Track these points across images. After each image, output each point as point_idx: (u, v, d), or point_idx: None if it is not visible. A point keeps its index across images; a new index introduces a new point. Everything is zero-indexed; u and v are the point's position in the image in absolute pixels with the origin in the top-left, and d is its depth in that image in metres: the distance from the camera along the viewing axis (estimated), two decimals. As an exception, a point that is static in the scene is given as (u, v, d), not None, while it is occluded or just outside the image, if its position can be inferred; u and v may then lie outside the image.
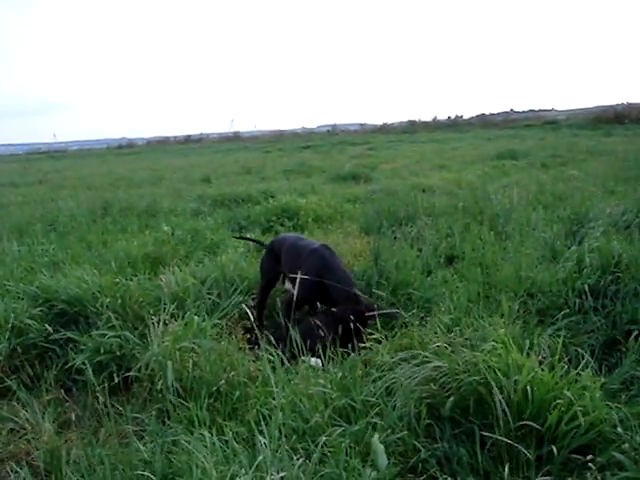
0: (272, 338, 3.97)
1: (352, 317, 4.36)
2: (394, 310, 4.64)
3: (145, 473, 2.84)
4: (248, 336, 4.63)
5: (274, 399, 3.35)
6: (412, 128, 56.54)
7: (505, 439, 2.82)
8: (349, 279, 4.84)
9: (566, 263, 5.26)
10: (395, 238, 6.97)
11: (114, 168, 28.31)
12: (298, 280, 4.51)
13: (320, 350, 3.93)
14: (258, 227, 9.27)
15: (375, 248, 5.97)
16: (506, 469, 2.71)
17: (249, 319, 4.81)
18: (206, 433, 2.99)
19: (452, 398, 3.09)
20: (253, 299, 5.51)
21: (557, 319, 4.41)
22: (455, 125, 56.82)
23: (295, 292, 4.47)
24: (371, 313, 4.45)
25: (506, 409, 2.87)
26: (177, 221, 9.72)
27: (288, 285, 5.24)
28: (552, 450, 2.77)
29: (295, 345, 3.91)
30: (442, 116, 64.86)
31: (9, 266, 6.51)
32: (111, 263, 6.49)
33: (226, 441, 3.00)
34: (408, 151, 27.26)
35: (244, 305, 4.53)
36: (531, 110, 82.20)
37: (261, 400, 3.47)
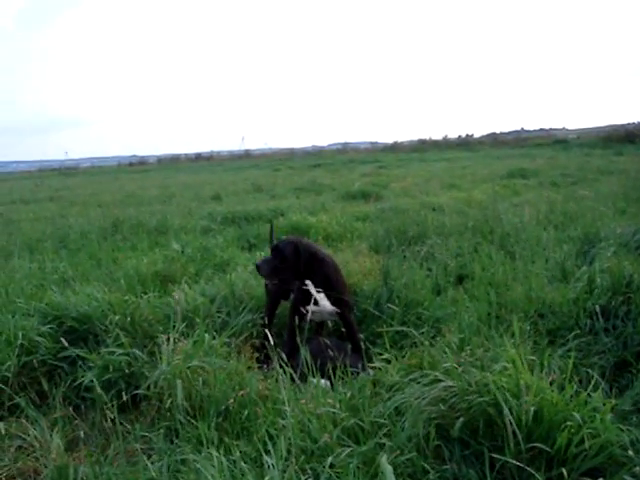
0: (284, 355, 3.96)
1: None
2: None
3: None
4: (257, 355, 4.63)
5: (283, 419, 3.35)
6: (422, 147, 56.68)
7: (515, 461, 2.80)
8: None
9: (577, 283, 5.24)
10: (405, 257, 6.95)
11: (125, 185, 28.48)
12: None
13: (330, 371, 3.91)
14: (268, 245, 9.27)
15: (385, 267, 5.96)
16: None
17: (258, 337, 4.82)
18: (214, 452, 2.98)
19: (461, 419, 3.06)
20: (262, 317, 5.50)
21: (567, 340, 4.38)
22: (466, 144, 56.93)
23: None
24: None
25: (517, 430, 2.85)
26: (187, 239, 9.76)
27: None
28: (562, 473, 2.75)
29: (305, 364, 3.89)
30: (453, 135, 65.16)
31: (19, 283, 6.54)
32: (121, 281, 6.52)
33: (234, 461, 2.99)
34: (418, 170, 27.31)
35: (262, 327, 4.53)
36: (542, 129, 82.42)
37: (269, 419, 3.46)
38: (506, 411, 2.89)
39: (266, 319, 5.43)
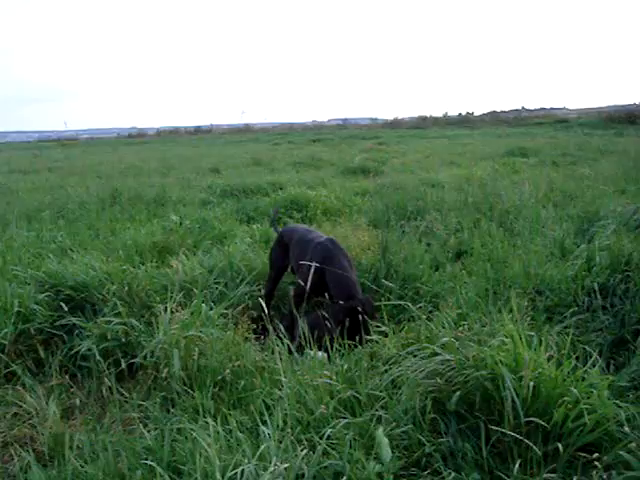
0: (282, 327, 3.95)
1: (357, 309, 4.35)
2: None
3: (148, 461, 2.83)
4: (255, 326, 4.63)
5: (279, 389, 3.35)
6: (423, 124, 56.56)
7: (513, 433, 2.80)
8: (350, 274, 4.80)
9: (575, 261, 5.24)
10: (403, 232, 6.95)
11: (124, 157, 28.34)
12: (303, 271, 4.51)
13: (327, 342, 3.91)
14: (267, 218, 9.26)
15: (383, 241, 5.95)
16: (516, 465, 2.69)
17: (255, 309, 4.82)
18: (210, 422, 2.99)
19: (458, 393, 3.06)
20: (260, 289, 5.50)
21: (565, 317, 4.38)
22: (466, 121, 56.77)
23: (308, 284, 4.46)
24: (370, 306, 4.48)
25: (516, 401, 2.85)
26: (185, 211, 9.74)
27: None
28: (558, 448, 2.75)
29: (303, 336, 3.90)
30: (453, 112, 64.96)
31: (17, 251, 6.51)
32: (119, 251, 6.51)
33: (230, 430, 3.00)
34: (418, 146, 27.24)
35: (259, 299, 4.51)
36: (542, 108, 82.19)
37: (266, 390, 3.46)
38: (509, 384, 2.89)
39: (267, 291, 5.44)
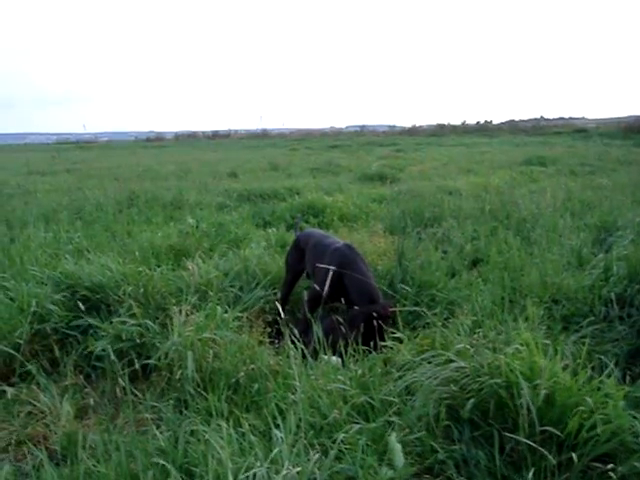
0: (296, 331, 3.95)
1: (375, 315, 4.34)
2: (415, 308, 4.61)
3: (161, 461, 2.84)
4: (269, 330, 4.63)
5: (293, 393, 3.35)
6: (441, 131, 56.49)
7: (528, 441, 2.78)
8: (369, 279, 4.79)
9: (593, 270, 5.21)
10: (420, 239, 6.94)
11: (142, 160, 28.46)
12: (320, 276, 4.51)
13: (342, 348, 3.90)
14: (283, 223, 9.27)
15: (399, 248, 5.94)
16: (530, 473, 2.67)
17: (270, 313, 4.82)
18: (223, 424, 2.98)
19: (472, 400, 3.05)
20: (275, 293, 5.50)
21: (582, 326, 4.35)
22: (484, 130, 56.61)
23: (324, 288, 4.45)
24: (391, 310, 4.46)
25: (532, 408, 2.83)
26: (202, 214, 9.75)
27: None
28: (572, 457, 2.73)
29: (317, 341, 3.89)
30: (471, 121, 64.76)
31: (34, 252, 6.55)
32: (135, 253, 6.53)
33: (243, 433, 2.99)
34: (436, 154, 27.18)
35: (276, 302, 4.52)
36: (561, 118, 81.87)
37: (280, 394, 3.46)
38: (524, 391, 2.87)
39: (282, 295, 5.44)
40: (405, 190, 12.01)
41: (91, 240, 7.58)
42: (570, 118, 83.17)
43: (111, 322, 4.50)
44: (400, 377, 3.48)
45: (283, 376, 3.67)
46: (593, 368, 3.42)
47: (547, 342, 3.42)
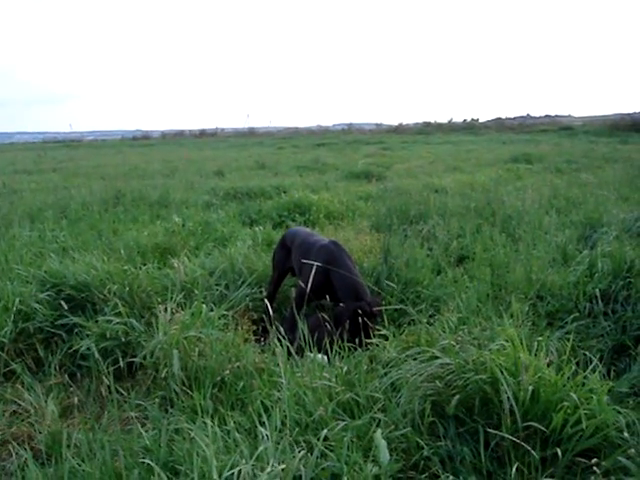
0: (282, 329, 3.93)
1: (360, 312, 4.33)
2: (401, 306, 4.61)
3: (146, 460, 2.83)
4: (255, 328, 4.62)
5: (278, 391, 3.34)
6: (427, 129, 56.48)
7: (512, 437, 2.79)
8: (356, 276, 4.80)
9: (577, 267, 5.24)
10: (406, 236, 6.94)
11: (128, 159, 28.38)
12: (307, 273, 4.51)
13: (327, 345, 3.90)
14: (269, 221, 9.25)
15: (385, 245, 5.95)
16: (513, 469, 2.68)
17: (256, 311, 4.81)
18: (208, 422, 2.97)
19: (457, 396, 3.05)
20: (261, 292, 5.49)
21: (566, 322, 4.39)
22: (471, 128, 56.64)
23: (309, 285, 4.45)
24: (378, 308, 4.45)
25: (514, 406, 2.84)
26: (188, 213, 9.75)
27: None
28: (556, 452, 2.74)
29: (303, 338, 3.88)
30: (458, 119, 64.84)
31: (19, 250, 6.53)
32: (120, 251, 6.53)
33: (228, 431, 2.98)
34: (422, 152, 27.19)
35: (265, 300, 4.51)
36: (547, 115, 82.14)
37: (265, 391, 3.45)
38: (506, 387, 2.88)
39: (269, 293, 5.43)
40: (391, 188, 12.00)
41: (76, 239, 7.56)
42: (556, 116, 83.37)
43: (96, 321, 4.49)
44: (385, 374, 3.48)
45: (268, 374, 3.67)
46: (578, 364, 3.43)
47: (532, 338, 3.43)
